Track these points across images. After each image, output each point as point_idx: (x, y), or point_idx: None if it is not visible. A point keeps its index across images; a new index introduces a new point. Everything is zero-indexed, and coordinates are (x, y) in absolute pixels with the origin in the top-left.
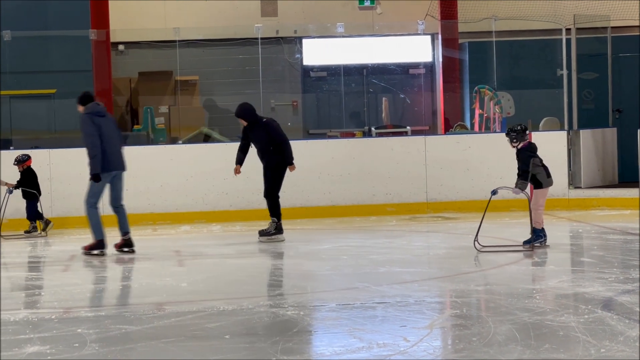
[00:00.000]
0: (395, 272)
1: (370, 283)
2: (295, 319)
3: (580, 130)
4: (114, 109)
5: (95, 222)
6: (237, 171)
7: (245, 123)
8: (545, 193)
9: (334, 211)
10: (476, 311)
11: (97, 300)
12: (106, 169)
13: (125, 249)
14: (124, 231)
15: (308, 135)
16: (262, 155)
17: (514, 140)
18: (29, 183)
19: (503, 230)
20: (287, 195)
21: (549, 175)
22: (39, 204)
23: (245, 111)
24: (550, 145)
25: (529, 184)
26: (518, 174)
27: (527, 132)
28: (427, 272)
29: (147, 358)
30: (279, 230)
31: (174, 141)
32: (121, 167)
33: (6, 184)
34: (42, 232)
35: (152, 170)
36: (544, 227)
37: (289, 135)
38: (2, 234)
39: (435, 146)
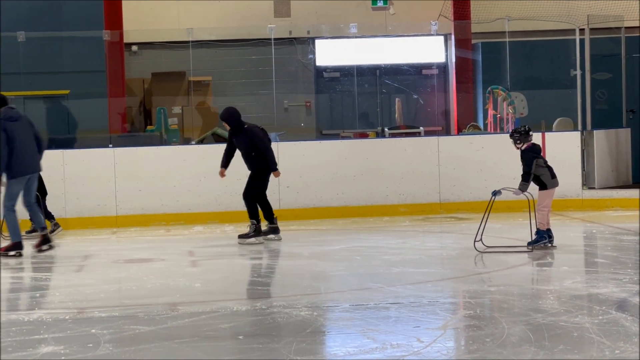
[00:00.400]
0: (409, 272)
1: (383, 284)
2: (309, 319)
3: (594, 131)
4: (127, 110)
5: (13, 225)
6: (221, 174)
7: (228, 127)
8: (550, 194)
9: (347, 211)
10: (489, 312)
11: (111, 301)
12: (21, 172)
13: (44, 247)
14: (41, 227)
15: (321, 136)
16: (245, 160)
17: (518, 142)
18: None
19: (517, 231)
20: (301, 195)
21: (553, 176)
22: (46, 203)
23: (230, 115)
24: (564, 145)
25: (530, 185)
26: (522, 175)
27: (531, 133)
28: (441, 272)
29: (161, 358)
30: (257, 232)
31: (187, 142)
32: (36, 169)
33: None
34: (34, 234)
35: (165, 170)
36: (551, 228)
37: (302, 136)
38: (3, 235)
39: (448, 147)
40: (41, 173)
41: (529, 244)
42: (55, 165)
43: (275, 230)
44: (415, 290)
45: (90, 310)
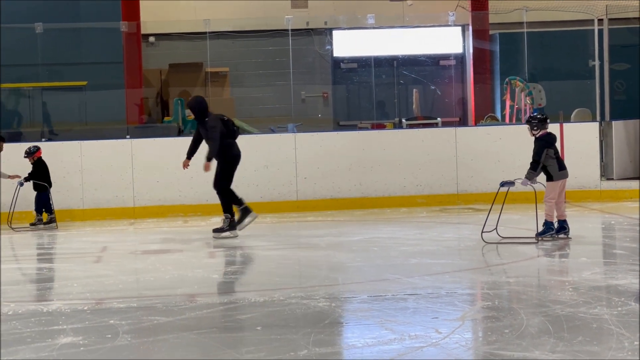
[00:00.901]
0: (426, 263)
1: (401, 275)
2: (327, 310)
3: (612, 122)
4: (144, 101)
5: None
6: (185, 165)
7: (192, 116)
8: (556, 186)
9: (365, 202)
10: (508, 303)
11: (129, 292)
12: None
13: None
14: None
15: (338, 127)
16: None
17: (534, 128)
18: (40, 175)
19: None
20: (318, 186)
21: (562, 168)
22: (50, 195)
23: (195, 104)
24: (582, 136)
25: (538, 175)
26: (530, 163)
27: (548, 121)
28: (459, 263)
29: (179, 349)
30: (232, 226)
31: None
32: None
33: (9, 176)
34: (43, 226)
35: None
36: (568, 219)
37: (319, 127)
38: (12, 227)
39: (466, 138)
40: (70, 164)
41: (537, 235)
42: (73, 156)
43: (245, 211)
44: (433, 282)
45: (108, 301)
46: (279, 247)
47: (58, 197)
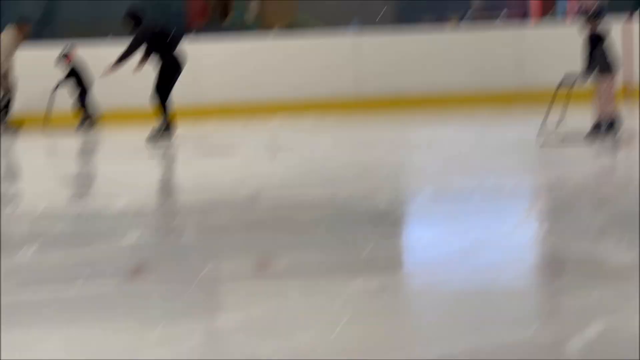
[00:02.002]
0: (490, 161)
1: (464, 172)
2: (389, 209)
3: None
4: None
5: None
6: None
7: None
8: (607, 83)
9: (427, 101)
10: (572, 201)
11: (192, 194)
12: None
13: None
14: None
15: (402, 21)
16: None
17: (590, 22)
18: (76, 76)
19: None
20: (381, 84)
21: (610, 65)
22: (88, 97)
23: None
24: None
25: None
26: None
27: (601, 16)
28: (523, 161)
29: (242, 249)
30: (167, 128)
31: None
32: None
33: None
34: (82, 127)
35: (245, 60)
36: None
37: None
38: (46, 131)
39: (530, 35)
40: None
41: (587, 135)
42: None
43: (169, 128)
44: (497, 179)
45: (172, 202)
46: (340, 148)
47: (120, 99)
